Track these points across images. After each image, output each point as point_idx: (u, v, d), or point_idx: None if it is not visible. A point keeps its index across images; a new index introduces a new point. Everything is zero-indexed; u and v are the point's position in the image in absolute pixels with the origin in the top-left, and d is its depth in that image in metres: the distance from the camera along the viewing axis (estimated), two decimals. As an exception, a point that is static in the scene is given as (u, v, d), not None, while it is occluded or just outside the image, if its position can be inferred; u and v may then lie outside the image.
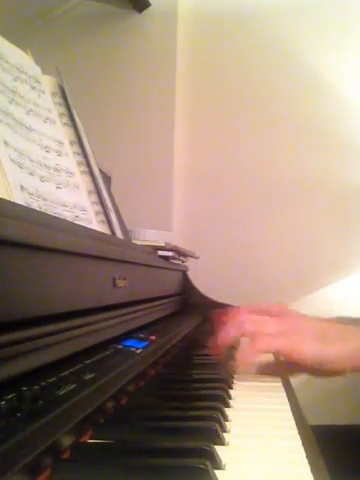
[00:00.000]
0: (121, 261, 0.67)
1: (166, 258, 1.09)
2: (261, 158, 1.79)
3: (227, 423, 0.44)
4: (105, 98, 1.88)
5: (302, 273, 1.71)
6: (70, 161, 0.68)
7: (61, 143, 0.67)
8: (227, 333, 0.64)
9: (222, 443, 0.38)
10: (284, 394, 0.57)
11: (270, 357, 0.69)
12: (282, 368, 0.66)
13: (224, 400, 0.50)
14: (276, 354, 0.63)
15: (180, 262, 1.25)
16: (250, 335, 0.62)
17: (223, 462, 0.34)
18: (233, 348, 0.68)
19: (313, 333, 0.60)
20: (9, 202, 0.44)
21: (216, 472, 0.32)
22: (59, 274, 0.46)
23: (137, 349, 0.58)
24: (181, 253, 1.20)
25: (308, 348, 0.58)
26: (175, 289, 1.19)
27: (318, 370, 0.60)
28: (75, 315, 0.48)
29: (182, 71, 1.85)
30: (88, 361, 0.46)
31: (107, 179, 0.91)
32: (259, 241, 1.77)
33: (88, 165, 0.74)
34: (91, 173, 0.74)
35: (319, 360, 0.58)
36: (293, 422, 0.45)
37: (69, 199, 0.63)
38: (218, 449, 0.35)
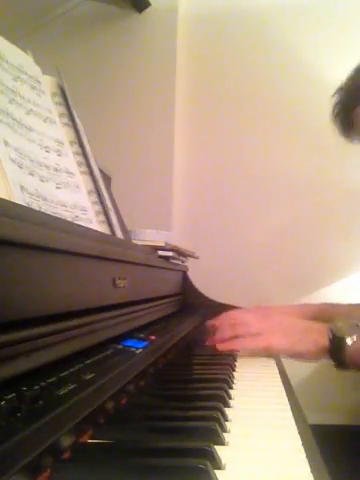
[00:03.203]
0: (121, 261, 0.67)
1: (166, 258, 1.09)
2: (261, 158, 1.79)
3: (227, 423, 0.44)
4: (105, 98, 1.88)
5: (302, 273, 1.71)
6: (70, 161, 0.68)
7: (61, 143, 0.67)
8: (222, 335, 0.83)
9: (222, 443, 0.38)
10: (284, 394, 0.57)
11: None
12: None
13: (224, 400, 0.50)
14: (258, 351, 0.80)
15: (180, 262, 1.25)
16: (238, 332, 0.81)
17: (223, 462, 0.34)
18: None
19: (285, 333, 0.79)
20: (9, 202, 0.44)
21: (216, 472, 0.32)
22: (59, 274, 0.46)
23: (137, 349, 0.58)
24: (181, 253, 1.20)
25: (279, 347, 0.77)
26: (175, 289, 1.19)
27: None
28: (75, 315, 0.48)
29: (182, 71, 1.85)
30: (88, 361, 0.46)
31: (107, 179, 0.91)
32: (259, 241, 1.77)
33: (88, 165, 0.74)
34: (91, 173, 0.74)
35: (290, 354, 0.78)
36: (293, 422, 0.46)
37: (69, 199, 0.63)
38: (218, 449, 0.35)
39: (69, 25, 1.97)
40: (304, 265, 1.72)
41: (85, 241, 0.52)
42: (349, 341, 0.72)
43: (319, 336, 0.76)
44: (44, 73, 0.71)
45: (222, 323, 0.87)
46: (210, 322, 0.93)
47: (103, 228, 0.72)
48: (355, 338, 0.72)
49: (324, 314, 0.93)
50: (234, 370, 0.71)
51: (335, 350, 0.73)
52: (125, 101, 1.86)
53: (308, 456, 0.36)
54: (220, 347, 0.82)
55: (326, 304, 0.99)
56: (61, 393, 0.36)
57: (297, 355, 0.77)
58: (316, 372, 1.63)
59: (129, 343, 0.60)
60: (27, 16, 1.92)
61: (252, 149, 1.80)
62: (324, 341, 0.74)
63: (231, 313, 0.89)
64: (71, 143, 0.72)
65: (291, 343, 0.77)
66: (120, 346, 0.57)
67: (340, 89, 0.92)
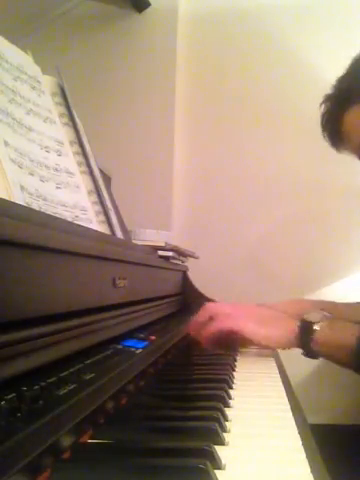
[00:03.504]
0: (121, 261, 0.67)
1: (166, 258, 1.09)
2: (261, 158, 1.79)
3: (227, 423, 0.44)
4: (105, 98, 1.88)
5: (302, 273, 1.71)
6: (70, 161, 0.68)
7: (61, 143, 0.67)
8: (197, 318, 0.84)
9: (222, 443, 0.38)
10: (284, 394, 0.57)
11: None
12: (237, 342, 0.85)
13: (224, 400, 0.50)
14: (228, 331, 0.79)
15: (180, 262, 1.25)
16: (213, 315, 0.81)
17: (223, 462, 0.34)
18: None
19: (255, 317, 0.80)
20: (9, 202, 0.44)
21: (216, 472, 0.32)
22: (59, 274, 0.46)
23: (137, 349, 0.58)
24: (181, 253, 1.20)
25: (249, 329, 0.78)
26: (175, 289, 1.19)
27: (258, 344, 0.80)
28: (75, 315, 0.48)
29: (182, 71, 1.85)
30: (88, 361, 0.46)
31: (107, 179, 0.91)
32: (259, 241, 1.77)
33: (88, 165, 0.74)
34: (91, 173, 0.74)
35: (256, 338, 0.78)
36: (293, 422, 0.46)
37: (69, 199, 0.63)
38: (218, 449, 0.35)
39: (69, 25, 1.97)
40: (304, 265, 1.72)
41: (85, 241, 0.52)
42: (316, 327, 0.73)
43: (289, 322, 0.78)
44: (44, 73, 0.71)
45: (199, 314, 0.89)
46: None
47: (103, 228, 0.72)
48: (324, 325, 0.73)
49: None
50: (234, 370, 0.71)
51: (303, 335, 0.74)
52: (125, 101, 1.86)
53: (308, 456, 0.36)
54: (192, 332, 0.84)
55: (322, 301, 0.99)
56: (61, 393, 0.36)
57: (267, 339, 0.77)
58: (316, 372, 1.63)
59: (129, 343, 0.60)
60: (27, 16, 1.92)
61: (252, 149, 1.80)
62: (293, 326, 0.75)
63: (208, 304, 0.90)
64: (71, 143, 0.72)
65: (261, 326, 0.78)
66: (120, 346, 0.57)
67: (327, 99, 0.92)
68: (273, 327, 0.78)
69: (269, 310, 0.86)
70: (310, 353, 0.74)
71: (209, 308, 0.85)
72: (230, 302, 0.94)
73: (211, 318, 0.81)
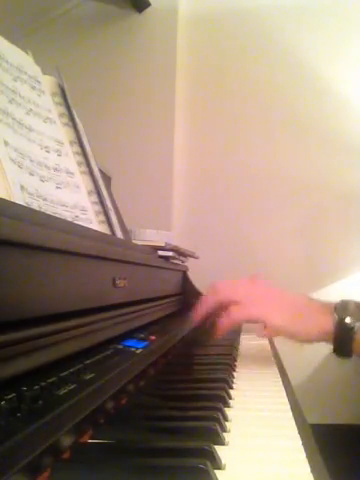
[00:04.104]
0: (121, 261, 0.67)
1: (166, 258, 1.09)
2: (261, 158, 1.79)
3: (227, 423, 0.44)
4: (105, 98, 1.88)
5: (302, 273, 1.71)
6: (70, 161, 0.68)
7: (61, 143, 0.67)
8: (206, 301, 0.71)
9: (222, 443, 0.38)
10: (284, 394, 0.57)
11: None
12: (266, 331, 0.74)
13: (224, 400, 0.50)
14: (249, 321, 0.68)
15: (180, 262, 1.25)
16: (226, 302, 0.68)
17: (223, 462, 0.34)
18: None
19: (283, 304, 0.68)
20: (9, 202, 0.44)
21: (216, 472, 0.32)
22: (59, 274, 0.46)
23: (137, 349, 0.58)
24: (181, 253, 1.20)
25: (277, 318, 0.66)
26: (175, 289, 1.19)
27: (287, 338, 0.68)
28: (75, 315, 0.48)
29: (182, 71, 1.85)
30: (88, 361, 0.46)
31: (107, 179, 0.91)
32: (259, 241, 1.77)
33: (88, 165, 0.74)
34: (91, 173, 0.74)
35: (287, 331, 0.66)
36: (293, 422, 0.46)
37: (69, 199, 0.63)
38: (218, 449, 0.35)
39: (69, 25, 1.97)
40: (304, 265, 1.73)
41: (85, 241, 0.52)
42: (358, 325, 0.63)
43: (322, 317, 0.66)
44: (44, 73, 0.71)
45: (209, 289, 0.76)
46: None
47: (103, 228, 0.72)
48: None
49: None
50: (234, 370, 0.71)
51: (340, 336, 0.64)
52: (125, 101, 1.86)
53: (308, 456, 0.36)
54: (197, 320, 0.71)
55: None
56: (61, 393, 0.36)
57: (298, 335, 0.66)
58: (316, 372, 1.63)
59: (129, 343, 0.60)
60: (27, 16, 1.92)
61: (252, 149, 1.81)
62: (329, 323, 0.64)
63: (222, 283, 0.76)
64: (71, 143, 0.72)
65: (293, 320, 0.66)
66: (120, 346, 0.57)
67: None
68: (306, 322, 0.67)
69: (301, 298, 0.73)
70: (346, 352, 0.64)
71: (226, 287, 0.71)
72: (242, 279, 0.80)
73: (230, 302, 0.68)
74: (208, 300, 0.71)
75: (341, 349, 0.64)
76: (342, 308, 0.66)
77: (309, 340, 0.68)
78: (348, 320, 0.64)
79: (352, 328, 0.63)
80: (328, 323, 0.65)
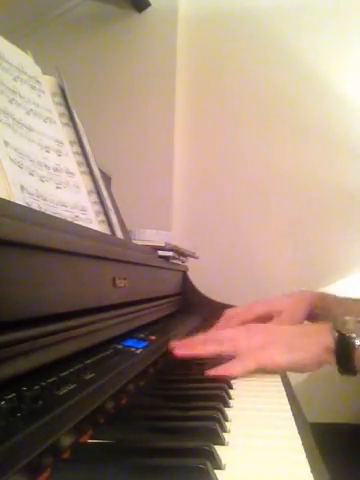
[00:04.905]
0: (121, 261, 0.67)
1: (166, 258, 1.09)
2: (261, 158, 1.79)
3: (227, 423, 0.44)
4: (105, 98, 1.88)
5: (302, 273, 1.71)
6: (70, 161, 0.68)
7: (61, 143, 0.67)
8: (205, 349, 0.69)
9: (222, 443, 0.38)
10: (284, 394, 0.57)
11: None
12: None
13: (224, 400, 0.50)
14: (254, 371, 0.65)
15: (180, 262, 1.25)
16: (226, 354, 0.66)
17: (223, 462, 0.34)
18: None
19: (284, 341, 0.67)
20: (9, 202, 0.44)
21: (216, 472, 0.32)
22: (59, 274, 0.46)
23: (137, 349, 0.58)
24: (181, 253, 1.20)
25: (282, 359, 0.64)
26: (175, 289, 1.19)
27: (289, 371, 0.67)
28: (75, 315, 0.48)
29: (182, 71, 1.85)
30: (88, 361, 0.46)
31: (107, 179, 0.91)
32: (259, 241, 1.77)
33: (88, 165, 0.74)
34: (91, 173, 0.74)
35: (293, 366, 0.65)
36: (293, 422, 0.45)
37: (69, 199, 0.63)
38: (218, 449, 0.35)
39: (69, 25, 1.97)
40: (304, 265, 1.72)
41: (85, 241, 0.52)
42: (359, 341, 0.61)
43: (321, 336, 0.65)
44: (44, 73, 0.71)
45: (213, 334, 0.75)
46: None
47: (103, 228, 0.72)
48: None
49: (324, 303, 0.90)
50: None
51: (341, 351, 0.62)
52: (125, 101, 1.86)
53: (308, 456, 0.36)
54: (178, 353, 0.68)
55: (328, 295, 0.94)
56: (61, 393, 0.36)
57: (296, 364, 0.65)
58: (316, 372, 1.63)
59: (129, 343, 0.60)
60: (27, 16, 1.92)
61: (252, 149, 1.81)
62: (328, 341, 0.63)
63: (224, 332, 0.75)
64: (71, 143, 0.72)
65: (294, 355, 0.64)
66: (120, 346, 0.57)
67: None
68: (307, 348, 0.65)
69: (296, 327, 0.74)
70: (349, 371, 0.62)
71: (228, 338, 0.69)
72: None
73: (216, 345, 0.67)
74: (208, 350, 0.69)
75: (345, 366, 0.62)
76: (341, 324, 0.64)
77: (313, 365, 0.65)
78: (344, 331, 0.63)
79: (353, 343, 0.61)
80: (328, 341, 0.63)
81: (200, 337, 0.72)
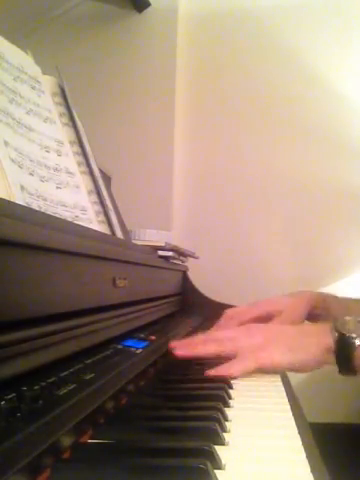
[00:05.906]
0: (121, 261, 0.67)
1: (166, 258, 1.09)
2: (261, 158, 1.79)
3: (227, 423, 0.44)
4: (105, 98, 1.88)
5: (302, 273, 1.71)
6: (70, 161, 0.68)
7: (61, 143, 0.67)
8: (205, 349, 0.68)
9: (222, 443, 0.38)
10: (284, 394, 0.57)
11: None
12: None
13: (224, 400, 0.50)
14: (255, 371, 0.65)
15: (180, 262, 1.25)
16: (226, 354, 0.67)
17: (223, 462, 0.34)
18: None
19: (284, 341, 0.67)
20: (9, 202, 0.44)
21: (216, 472, 0.32)
22: (59, 274, 0.46)
23: (137, 349, 0.58)
24: (181, 253, 1.20)
25: (282, 359, 0.65)
26: (175, 289, 1.19)
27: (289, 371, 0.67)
28: (75, 315, 0.48)
29: (182, 71, 1.85)
30: (88, 361, 0.46)
31: (107, 179, 0.91)
32: (259, 241, 1.77)
33: (88, 165, 0.74)
34: (91, 173, 0.74)
35: (293, 366, 0.65)
36: (293, 422, 0.45)
37: (69, 199, 0.63)
38: (218, 449, 0.35)
39: (69, 25, 1.97)
40: (304, 265, 1.73)
41: (85, 241, 0.52)
42: (359, 341, 0.61)
43: (321, 337, 0.65)
44: (44, 73, 0.71)
45: (213, 333, 0.75)
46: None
47: (103, 228, 0.72)
48: None
49: (324, 303, 0.90)
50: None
51: (342, 351, 0.62)
52: (125, 101, 1.86)
53: (308, 456, 0.36)
54: (179, 353, 0.67)
55: (328, 295, 0.94)
56: (61, 393, 0.36)
57: (296, 365, 0.65)
58: (316, 372, 1.63)
59: (129, 343, 0.60)
60: (27, 16, 1.92)
61: (252, 149, 1.81)
62: (328, 341, 0.63)
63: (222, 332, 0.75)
64: (71, 143, 0.72)
65: (294, 355, 0.65)
66: (120, 346, 0.57)
67: None
68: (307, 348, 0.65)
69: (296, 327, 0.74)
70: (349, 371, 0.62)
71: (228, 338, 0.69)
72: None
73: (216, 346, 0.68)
74: (208, 350, 0.69)
75: (345, 366, 0.63)
76: (341, 324, 0.65)
77: (313, 364, 0.66)
78: (347, 332, 0.63)
79: (353, 343, 0.62)
80: (328, 341, 0.63)
81: (200, 337, 0.73)
